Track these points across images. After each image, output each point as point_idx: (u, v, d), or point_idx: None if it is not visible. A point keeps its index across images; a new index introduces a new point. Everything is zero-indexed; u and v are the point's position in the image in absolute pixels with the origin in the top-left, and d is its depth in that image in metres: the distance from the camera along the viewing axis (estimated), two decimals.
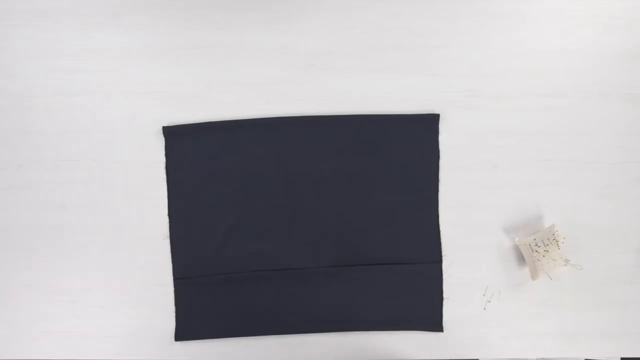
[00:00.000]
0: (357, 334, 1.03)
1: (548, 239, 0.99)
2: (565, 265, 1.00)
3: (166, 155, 1.03)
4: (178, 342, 1.03)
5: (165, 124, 1.03)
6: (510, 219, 1.04)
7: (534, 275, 1.01)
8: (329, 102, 1.04)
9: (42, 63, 1.04)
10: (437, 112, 1.03)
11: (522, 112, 1.04)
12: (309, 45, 1.04)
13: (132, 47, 1.04)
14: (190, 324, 1.02)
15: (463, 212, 1.04)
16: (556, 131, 1.05)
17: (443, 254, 1.04)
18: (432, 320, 1.02)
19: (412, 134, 1.03)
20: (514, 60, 1.04)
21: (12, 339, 1.04)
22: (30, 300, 1.04)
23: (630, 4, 1.04)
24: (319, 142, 1.03)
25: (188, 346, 1.03)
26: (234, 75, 1.04)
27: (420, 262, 1.02)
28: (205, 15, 1.03)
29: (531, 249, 1.00)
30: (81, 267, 1.04)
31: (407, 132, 1.02)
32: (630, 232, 1.05)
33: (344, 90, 1.04)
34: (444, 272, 1.03)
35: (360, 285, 1.02)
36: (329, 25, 1.04)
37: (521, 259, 1.04)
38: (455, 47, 1.04)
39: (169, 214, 1.03)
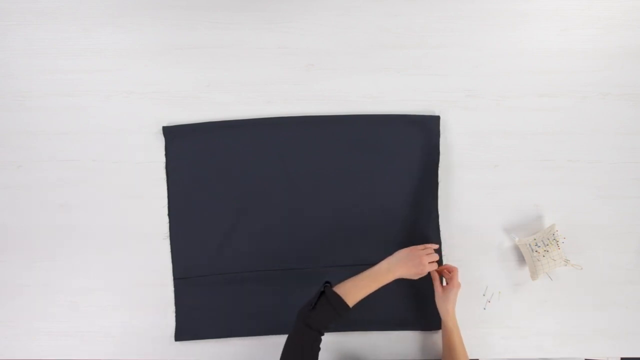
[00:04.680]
0: (357, 334, 1.03)
1: (548, 239, 0.99)
2: (565, 265, 1.00)
3: (166, 155, 1.03)
4: (178, 342, 1.03)
5: (165, 124, 1.03)
6: (510, 219, 1.04)
7: (534, 275, 1.01)
8: (329, 102, 1.04)
9: (41, 63, 1.04)
10: (437, 114, 1.03)
11: (522, 112, 1.04)
12: (309, 45, 1.04)
13: (132, 47, 1.04)
14: (190, 324, 1.02)
15: (463, 212, 1.04)
16: (556, 131, 1.05)
17: (443, 254, 1.04)
18: (432, 320, 1.02)
19: (413, 135, 1.03)
20: (514, 60, 1.04)
21: (12, 339, 1.04)
22: (30, 300, 1.04)
23: (630, 4, 1.04)
24: (319, 142, 1.03)
25: (188, 346, 1.03)
26: (234, 75, 1.04)
27: None
28: (205, 15, 1.03)
29: (531, 249, 1.00)
30: (81, 267, 1.04)
31: (408, 133, 1.02)
32: (630, 232, 1.05)
33: (343, 90, 1.04)
34: None
35: None
36: (329, 25, 1.04)
37: (521, 259, 1.04)
38: (455, 47, 1.04)
39: (169, 214, 1.03)
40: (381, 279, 0.89)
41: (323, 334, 0.82)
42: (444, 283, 1.00)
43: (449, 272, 0.98)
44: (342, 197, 1.02)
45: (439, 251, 1.03)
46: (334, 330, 1.02)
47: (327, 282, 0.87)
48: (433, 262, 0.93)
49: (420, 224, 1.03)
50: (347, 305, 0.83)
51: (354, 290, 0.86)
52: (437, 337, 1.04)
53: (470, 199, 1.04)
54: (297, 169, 1.02)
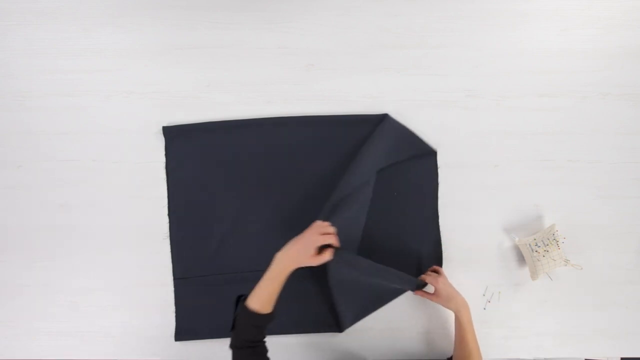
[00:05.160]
0: (358, 334, 1.03)
1: (548, 239, 0.99)
2: (565, 265, 1.00)
3: (166, 155, 1.03)
4: (178, 342, 1.03)
5: (165, 124, 1.03)
6: (510, 219, 1.04)
7: (534, 275, 1.01)
8: (329, 102, 1.04)
9: (41, 63, 1.04)
10: (435, 149, 1.03)
11: (522, 112, 1.04)
12: (309, 45, 1.04)
13: (132, 47, 1.04)
14: (190, 324, 1.02)
15: (463, 212, 1.04)
16: (556, 131, 1.05)
17: (444, 255, 1.03)
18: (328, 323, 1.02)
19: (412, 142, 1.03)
20: (514, 60, 1.04)
21: (12, 339, 1.04)
22: (30, 300, 1.04)
23: (630, 4, 1.04)
24: (320, 142, 1.02)
25: (188, 346, 1.03)
26: (234, 75, 1.04)
27: (420, 263, 1.02)
28: (205, 15, 1.03)
29: (531, 249, 1.00)
30: (81, 267, 1.04)
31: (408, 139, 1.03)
32: (630, 232, 1.05)
33: (343, 90, 1.04)
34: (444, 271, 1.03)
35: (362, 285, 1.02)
36: (329, 25, 1.04)
37: (521, 259, 1.04)
38: (455, 47, 1.04)
39: (169, 214, 1.03)
40: (282, 272, 0.82)
41: (261, 341, 0.80)
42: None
43: (430, 274, 0.97)
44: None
45: (438, 251, 1.03)
46: (334, 331, 1.02)
47: (240, 295, 0.83)
48: (328, 234, 0.84)
49: (422, 224, 1.03)
50: (264, 315, 0.79)
51: (263, 296, 0.80)
52: (437, 337, 1.04)
53: (470, 199, 1.04)
54: (297, 168, 1.02)
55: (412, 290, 0.98)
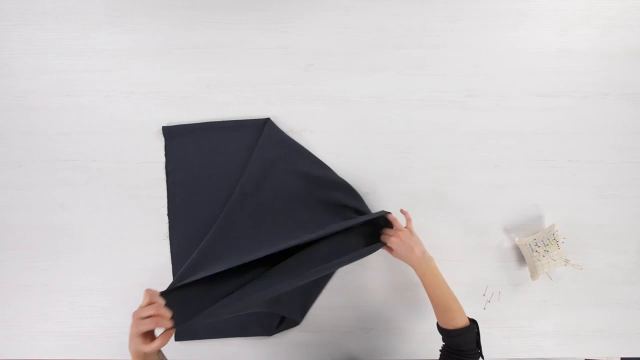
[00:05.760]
0: (356, 334, 1.03)
1: (548, 239, 0.99)
2: (565, 265, 1.00)
3: (166, 155, 1.03)
4: (178, 342, 1.03)
5: (165, 124, 1.03)
6: (510, 219, 1.05)
7: (534, 275, 1.01)
8: (329, 102, 1.04)
9: (42, 63, 1.04)
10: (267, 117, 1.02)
11: (522, 112, 1.04)
12: (309, 45, 1.04)
13: (132, 47, 1.04)
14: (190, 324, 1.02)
15: (463, 212, 1.04)
16: (556, 131, 1.05)
17: (446, 258, 1.03)
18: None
19: None
20: (513, 60, 1.04)
21: (12, 339, 1.04)
22: (30, 300, 1.04)
23: (630, 4, 1.04)
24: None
25: (188, 346, 1.03)
26: (234, 75, 1.04)
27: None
28: (205, 16, 1.03)
29: (531, 249, 1.00)
30: (81, 267, 1.04)
31: None
32: (630, 232, 1.05)
33: (343, 90, 1.04)
34: (443, 271, 1.03)
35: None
36: (329, 25, 1.04)
37: (521, 259, 1.04)
38: (455, 47, 1.04)
39: (169, 214, 1.03)
40: None
41: None
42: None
43: (384, 233, 0.92)
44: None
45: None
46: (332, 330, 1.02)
47: None
48: (148, 317, 0.69)
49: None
50: None
51: None
52: (437, 337, 1.03)
53: (470, 199, 1.04)
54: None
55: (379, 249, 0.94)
